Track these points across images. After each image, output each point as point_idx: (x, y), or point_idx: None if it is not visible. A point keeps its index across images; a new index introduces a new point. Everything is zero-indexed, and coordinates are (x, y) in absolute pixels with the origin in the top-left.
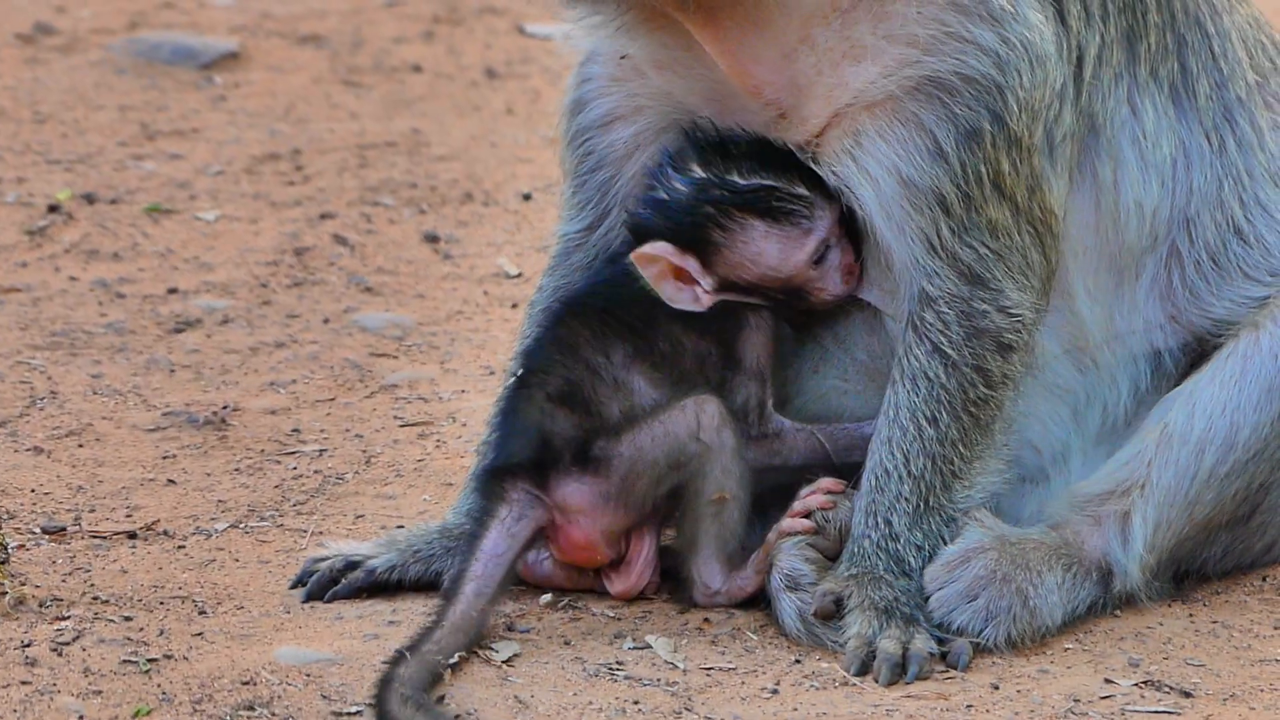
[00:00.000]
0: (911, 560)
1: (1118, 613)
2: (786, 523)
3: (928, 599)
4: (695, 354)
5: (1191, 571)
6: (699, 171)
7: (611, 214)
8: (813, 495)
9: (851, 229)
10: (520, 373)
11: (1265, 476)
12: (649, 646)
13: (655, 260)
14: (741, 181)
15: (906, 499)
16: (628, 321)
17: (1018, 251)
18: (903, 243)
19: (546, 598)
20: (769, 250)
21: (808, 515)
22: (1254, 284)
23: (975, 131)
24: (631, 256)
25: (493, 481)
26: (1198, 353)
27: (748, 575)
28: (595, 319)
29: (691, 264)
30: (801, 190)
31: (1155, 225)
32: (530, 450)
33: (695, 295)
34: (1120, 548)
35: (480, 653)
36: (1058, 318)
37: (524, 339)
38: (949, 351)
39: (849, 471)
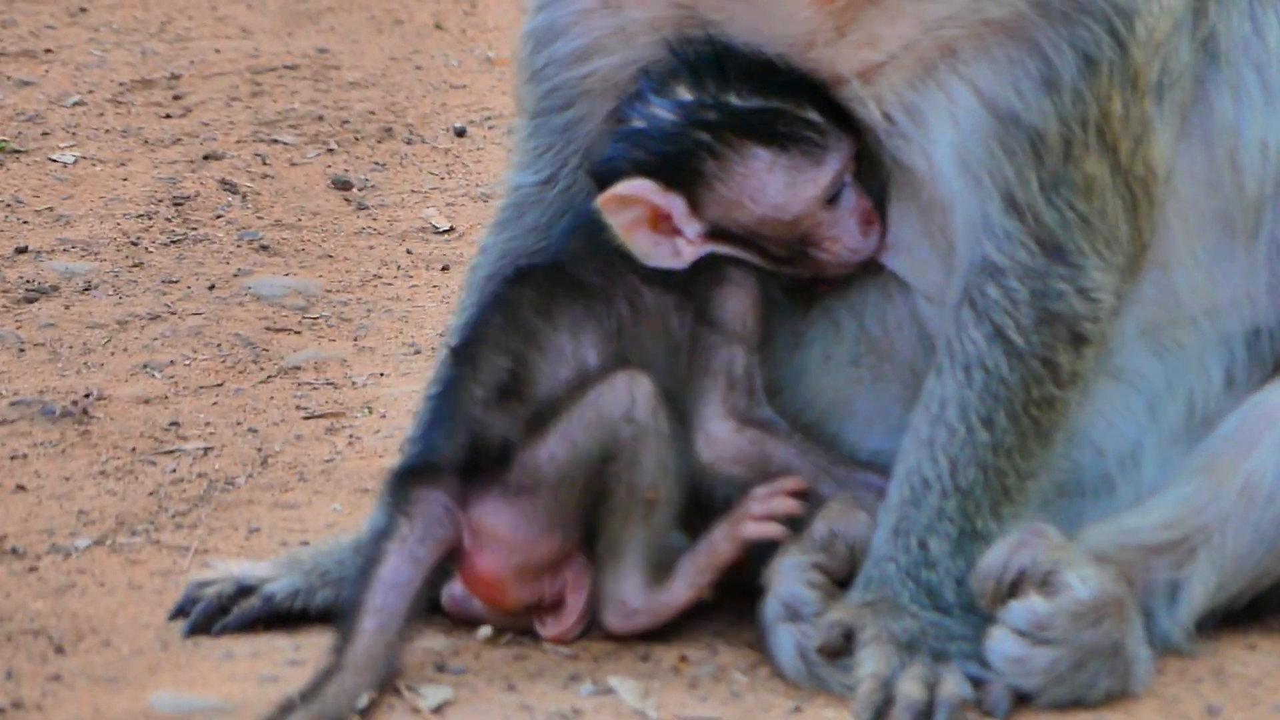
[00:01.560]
0: (949, 595)
1: (1189, 649)
2: (751, 527)
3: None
4: (660, 311)
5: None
6: (687, 94)
7: (579, 167)
8: (774, 498)
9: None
10: (453, 349)
11: None
12: (612, 691)
13: (630, 203)
14: (740, 103)
15: (951, 519)
16: (577, 276)
17: (1108, 220)
18: (977, 195)
19: (485, 632)
20: (774, 183)
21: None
22: None
23: (1093, 60)
24: (599, 201)
25: (400, 488)
26: None
27: (675, 589)
28: (541, 276)
29: (676, 205)
30: (813, 114)
31: None
32: (456, 450)
33: (676, 248)
34: (1165, 609)
35: (404, 696)
36: (1139, 294)
37: (462, 312)
38: (1014, 337)
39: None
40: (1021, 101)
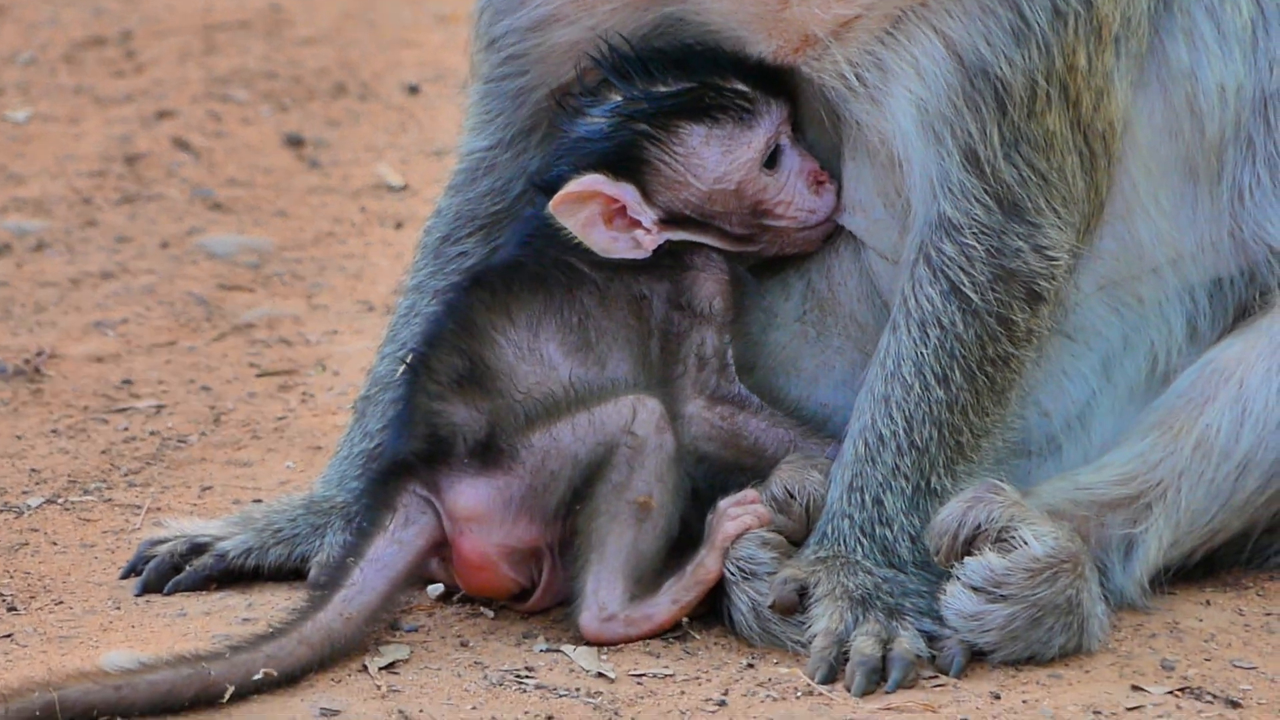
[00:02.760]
0: (904, 552)
1: (1144, 604)
2: (729, 526)
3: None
4: (629, 300)
5: (1219, 560)
6: (617, 95)
7: (532, 132)
8: (744, 504)
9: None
10: (408, 361)
11: None
12: (565, 649)
13: (584, 199)
14: (667, 89)
15: (906, 476)
16: (536, 272)
17: (1065, 177)
18: (935, 150)
19: (437, 589)
20: (711, 155)
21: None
22: None
23: (1062, 12)
24: (552, 205)
25: (380, 485)
26: (1253, 292)
27: (659, 603)
28: (496, 277)
29: (629, 192)
30: (739, 85)
31: (1239, 107)
32: (417, 442)
33: (635, 239)
34: (1119, 565)
35: (357, 656)
36: (1098, 249)
37: (416, 273)
38: (970, 294)
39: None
40: (991, 52)
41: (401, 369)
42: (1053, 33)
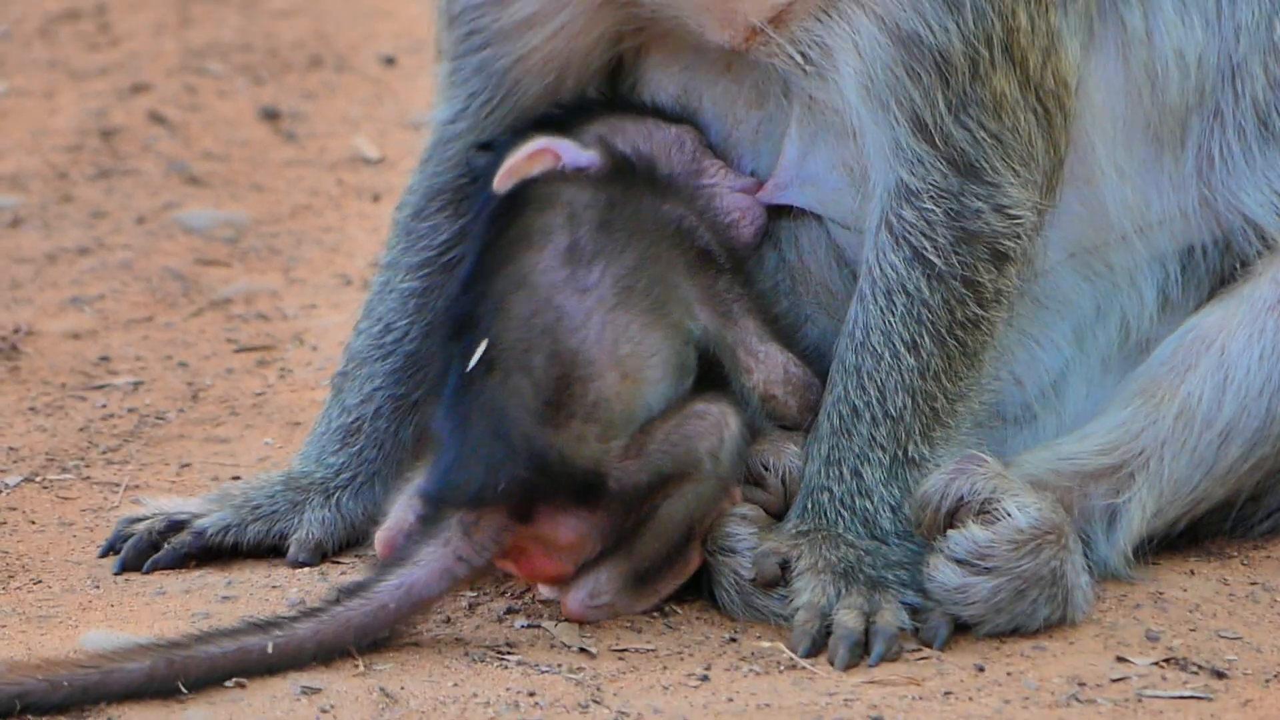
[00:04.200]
0: (886, 524)
1: (1128, 575)
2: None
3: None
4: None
5: (1202, 529)
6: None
7: (496, 105)
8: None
9: None
10: (485, 344)
11: None
12: (547, 625)
13: (532, 162)
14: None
15: (882, 446)
16: (596, 225)
17: (1021, 136)
18: (884, 121)
19: None
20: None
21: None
22: None
23: None
24: (497, 181)
25: (455, 502)
26: (1230, 262)
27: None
28: (559, 228)
29: (566, 146)
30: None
31: (1202, 76)
32: (522, 473)
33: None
34: (1103, 535)
35: None
36: (1066, 214)
37: (390, 250)
38: (933, 259)
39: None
40: (923, 23)
41: (476, 356)
42: (985, 0)
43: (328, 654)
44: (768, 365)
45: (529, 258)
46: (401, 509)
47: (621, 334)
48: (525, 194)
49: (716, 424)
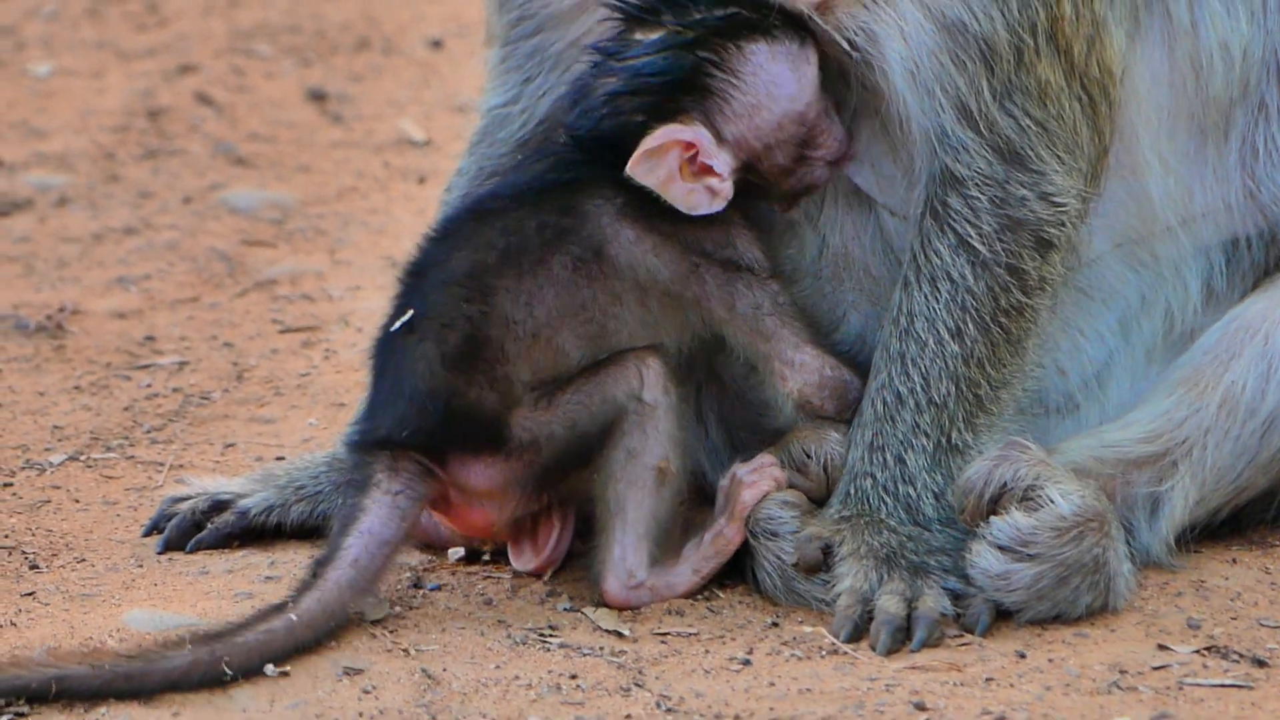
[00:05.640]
0: (929, 510)
1: (1170, 563)
2: (747, 495)
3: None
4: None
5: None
6: (653, 34)
7: (548, 89)
8: (761, 469)
9: None
10: (410, 313)
11: None
12: (589, 607)
13: (662, 153)
14: (711, 14)
15: (926, 433)
16: (548, 238)
17: (1066, 124)
18: (930, 108)
19: (458, 553)
20: (781, 72)
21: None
22: None
23: None
24: (630, 166)
25: (374, 450)
26: (1275, 253)
27: (680, 572)
28: (536, 246)
29: (704, 137)
30: (770, 5)
31: (1246, 69)
32: (426, 423)
33: (711, 189)
34: (1145, 523)
35: (380, 615)
36: (1112, 204)
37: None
38: (978, 246)
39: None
40: (968, 11)
41: (400, 323)
42: None
43: (338, 619)
44: (804, 372)
45: (491, 260)
46: None
47: (546, 342)
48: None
49: (634, 368)
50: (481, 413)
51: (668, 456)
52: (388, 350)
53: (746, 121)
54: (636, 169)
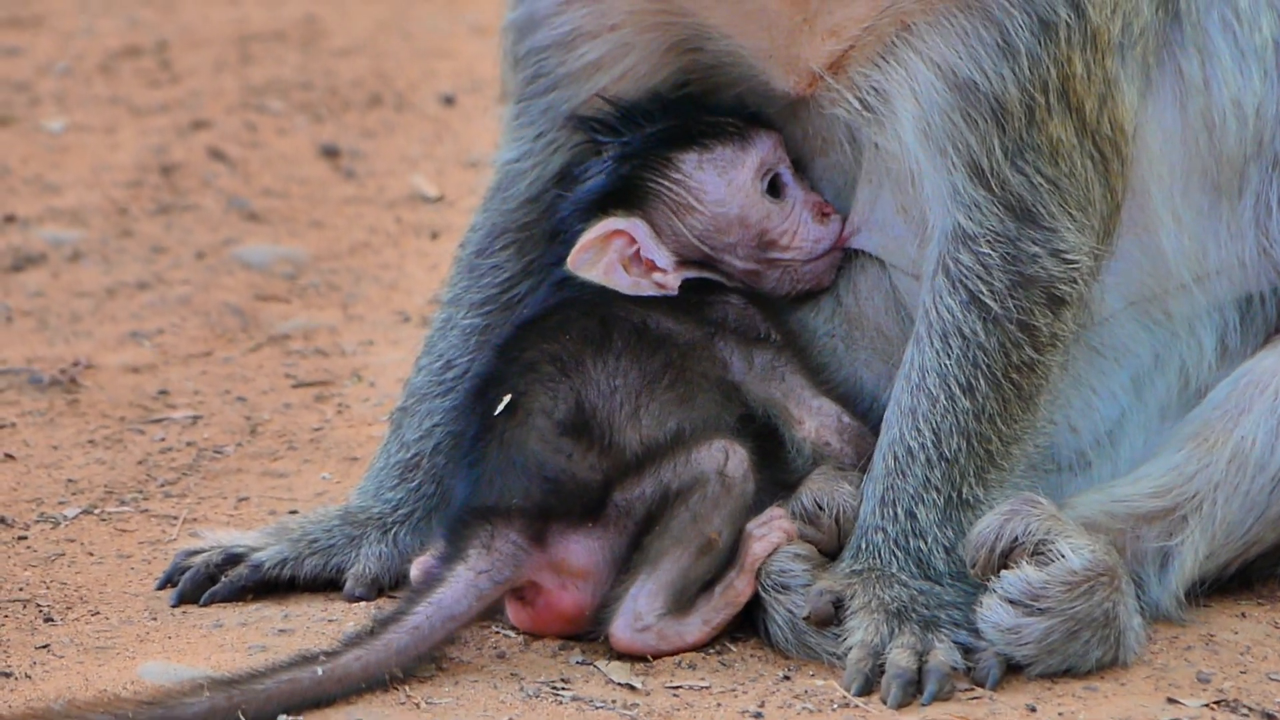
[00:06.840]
0: (939, 564)
1: (1180, 617)
2: (757, 548)
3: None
4: (702, 341)
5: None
6: (610, 150)
7: (561, 145)
8: (772, 523)
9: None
10: (509, 398)
11: None
12: (602, 660)
13: (604, 242)
14: (655, 127)
15: (937, 488)
16: (634, 328)
17: (1078, 181)
18: (942, 166)
19: None
20: (709, 179)
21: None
22: None
23: (1049, 24)
24: (570, 261)
25: (473, 522)
26: None
27: (690, 623)
28: (596, 326)
29: (640, 228)
30: (722, 117)
31: (1260, 126)
32: (535, 493)
33: (655, 281)
34: (1155, 578)
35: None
36: (1125, 262)
37: (452, 287)
38: (989, 303)
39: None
40: (979, 71)
41: (502, 405)
42: (1041, 45)
43: (374, 681)
44: (821, 415)
45: (565, 343)
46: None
47: (643, 409)
48: (581, 287)
49: (722, 447)
50: (591, 482)
51: (722, 531)
52: (487, 437)
53: (681, 223)
54: (576, 260)
